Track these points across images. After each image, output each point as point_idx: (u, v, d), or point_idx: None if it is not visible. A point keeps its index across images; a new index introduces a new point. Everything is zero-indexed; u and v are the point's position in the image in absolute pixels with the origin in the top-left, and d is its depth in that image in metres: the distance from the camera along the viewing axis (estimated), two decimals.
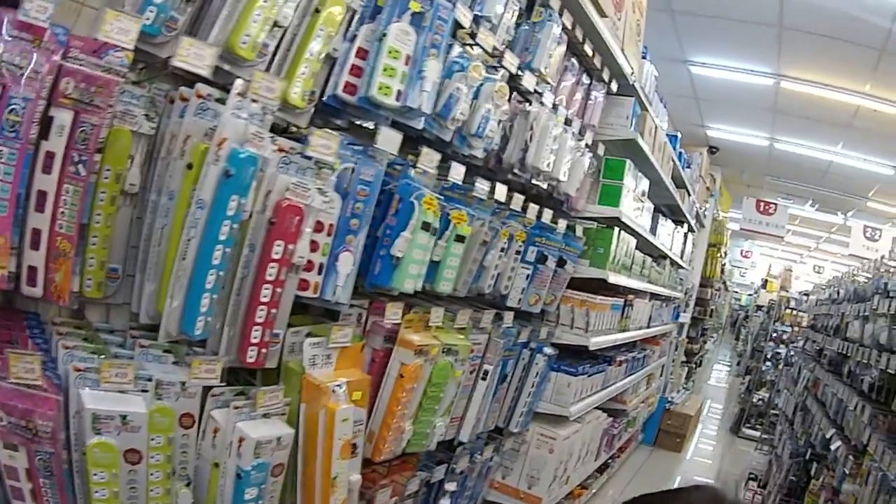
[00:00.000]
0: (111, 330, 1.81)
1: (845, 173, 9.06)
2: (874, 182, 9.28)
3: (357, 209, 2.15)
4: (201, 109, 1.66)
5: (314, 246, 1.99)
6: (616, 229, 3.97)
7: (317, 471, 2.16)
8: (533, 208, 3.28)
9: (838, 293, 5.97)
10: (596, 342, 3.95)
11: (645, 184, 4.52)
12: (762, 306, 15.08)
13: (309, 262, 1.96)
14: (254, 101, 1.70)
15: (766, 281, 17.77)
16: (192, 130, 1.65)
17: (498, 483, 3.95)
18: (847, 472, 3.74)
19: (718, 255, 10.67)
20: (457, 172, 2.63)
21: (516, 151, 3.12)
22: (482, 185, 2.79)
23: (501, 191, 2.93)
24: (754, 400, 10.04)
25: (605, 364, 4.60)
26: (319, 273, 2.06)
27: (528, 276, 3.48)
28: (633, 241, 4.45)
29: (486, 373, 3.16)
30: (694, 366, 10.70)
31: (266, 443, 1.78)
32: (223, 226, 1.61)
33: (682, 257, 7.01)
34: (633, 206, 4.28)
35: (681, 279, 7.56)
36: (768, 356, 11.03)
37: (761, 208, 10.80)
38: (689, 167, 6.67)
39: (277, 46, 1.86)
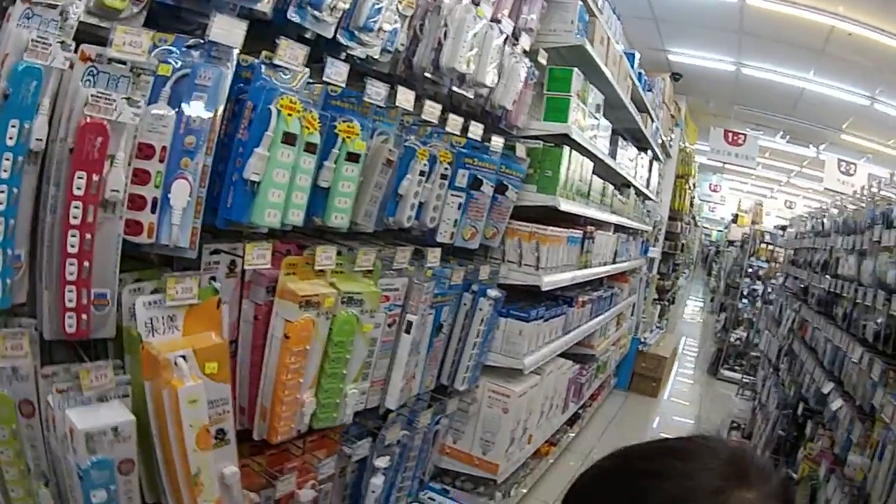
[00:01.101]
0: None
1: (818, 102, 8.34)
2: (848, 113, 8.59)
3: (193, 122, 1.57)
4: (26, 17, 1.31)
5: (143, 177, 1.51)
6: (566, 149, 3.29)
7: (176, 466, 1.62)
8: (456, 121, 2.60)
9: (822, 225, 5.25)
10: (550, 281, 3.31)
11: (598, 98, 3.82)
12: (734, 241, 14.64)
13: (138, 197, 1.50)
14: (50, 5, 1.33)
15: (737, 216, 17.31)
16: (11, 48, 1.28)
17: (450, 448, 3.35)
18: (854, 440, 3.08)
19: (687, 187, 10.06)
20: (336, 72, 1.94)
21: (428, 52, 2.43)
22: (376, 89, 2.10)
23: (406, 97, 2.23)
24: (732, 339, 9.52)
25: (564, 306, 3.98)
26: (154, 211, 1.55)
27: (459, 204, 2.83)
28: (588, 165, 3.79)
29: (409, 325, 2.52)
30: (667, 303, 10.19)
31: (99, 434, 1.42)
32: (3, 160, 1.28)
33: (647, 187, 6.37)
34: (586, 124, 3.60)
35: (648, 211, 6.94)
36: (744, 293, 10.52)
37: (730, 139, 10.16)
38: (650, 91, 6.00)
39: None
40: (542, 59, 3.19)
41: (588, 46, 3.33)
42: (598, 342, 5.27)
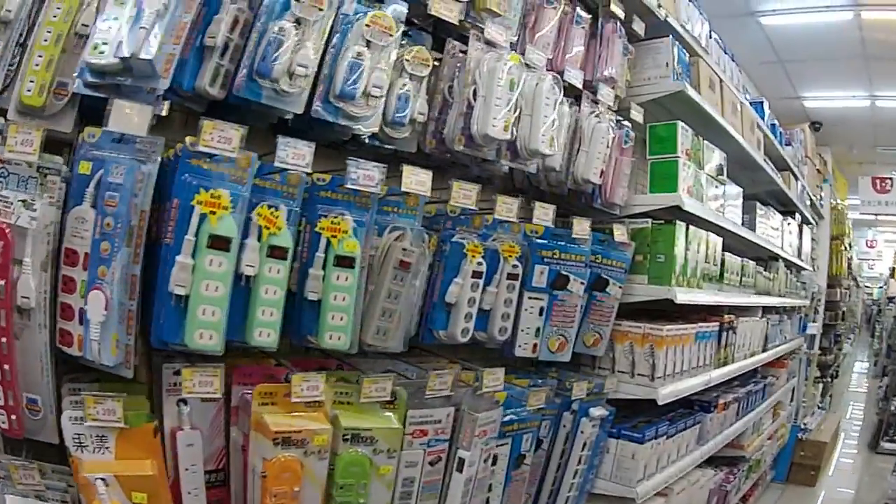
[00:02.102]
0: None
1: None
2: None
3: (107, 227, 1.25)
4: None
5: (70, 285, 1.29)
6: (680, 225, 2.44)
7: None
8: (509, 204, 1.89)
9: None
10: (672, 392, 2.40)
11: (718, 157, 2.91)
12: (893, 298, 12.18)
13: (67, 306, 1.29)
14: None
15: (894, 269, 14.57)
16: None
17: None
18: None
19: (843, 248, 8.37)
20: (293, 154, 1.37)
21: (457, 119, 1.79)
22: (364, 171, 1.48)
23: (418, 179, 1.60)
24: (892, 408, 7.52)
25: (700, 413, 2.99)
26: (81, 322, 1.28)
27: (541, 309, 2.08)
28: (716, 241, 2.87)
29: (461, 462, 1.79)
30: (829, 379, 8.35)
31: None
32: None
33: (799, 256, 5.14)
34: (706, 191, 2.72)
35: (803, 283, 5.61)
36: None
37: (878, 186, 8.43)
38: (789, 145, 4.90)
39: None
40: (637, 115, 2.41)
41: (691, 92, 2.50)
42: (749, 441, 4.08)
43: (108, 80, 1.26)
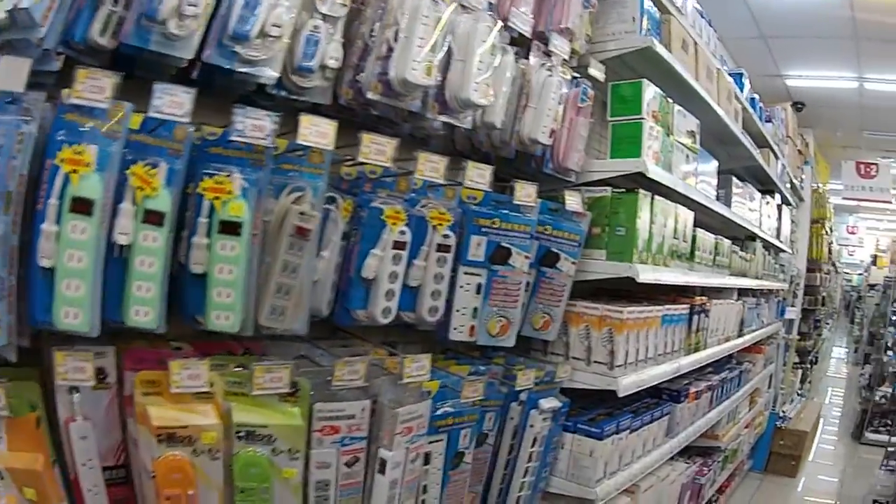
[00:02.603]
0: None
1: None
2: None
3: None
4: None
5: None
6: (644, 195, 2.10)
7: None
8: (435, 163, 1.55)
9: None
10: (633, 382, 2.07)
11: (690, 123, 2.56)
12: (874, 285, 11.96)
13: None
14: None
15: (876, 257, 14.31)
16: None
17: None
18: None
19: (823, 232, 8.06)
20: (170, 102, 1.13)
21: (375, 66, 1.46)
22: (253, 120, 1.20)
23: (321, 131, 1.28)
24: (877, 398, 7.26)
25: (669, 404, 2.67)
26: None
27: (479, 286, 1.76)
28: (686, 215, 2.54)
29: (382, 463, 1.46)
30: (808, 365, 8.07)
31: None
32: None
33: (778, 237, 4.83)
34: (675, 159, 2.39)
35: (782, 265, 5.30)
36: (889, 344, 8.14)
37: (862, 171, 8.01)
38: (769, 122, 4.56)
39: None
40: (597, 73, 2.06)
41: (660, 48, 2.14)
42: (724, 430, 3.77)
43: (3, 37, 1.09)
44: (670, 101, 2.30)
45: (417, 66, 1.46)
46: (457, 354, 2.01)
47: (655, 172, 2.07)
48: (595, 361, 2.04)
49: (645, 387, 2.17)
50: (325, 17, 1.37)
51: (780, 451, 5.57)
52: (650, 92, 2.14)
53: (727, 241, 3.26)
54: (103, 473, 1.22)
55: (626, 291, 2.53)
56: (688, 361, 2.59)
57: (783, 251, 5.23)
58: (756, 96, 4.09)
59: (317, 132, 1.32)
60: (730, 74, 3.48)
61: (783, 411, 5.92)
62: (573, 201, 1.93)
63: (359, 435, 1.48)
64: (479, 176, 1.68)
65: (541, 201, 1.98)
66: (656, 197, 2.16)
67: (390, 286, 1.56)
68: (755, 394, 4.70)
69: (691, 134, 2.51)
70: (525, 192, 1.76)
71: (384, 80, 1.49)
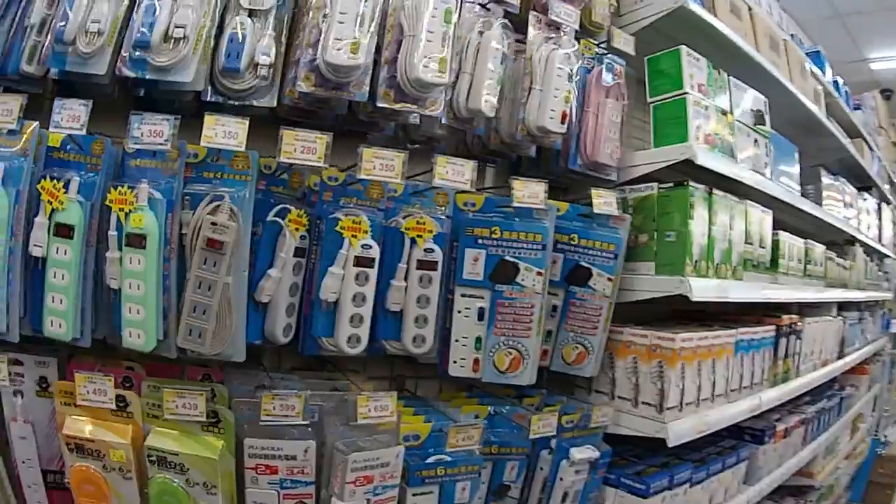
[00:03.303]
0: None
1: None
2: None
3: None
4: None
5: None
6: (696, 188, 1.59)
7: None
8: (380, 156, 1.18)
9: None
10: (688, 428, 1.54)
11: (752, 99, 1.98)
12: None
13: None
14: None
15: None
16: None
17: None
18: None
19: None
20: (69, 114, 1.11)
21: (305, 53, 1.20)
22: (151, 126, 1.09)
23: (232, 130, 1.10)
24: None
25: (750, 446, 2.09)
26: None
27: (480, 311, 1.34)
28: (760, 215, 1.99)
29: None
30: None
31: None
32: None
33: (880, 240, 4.02)
34: (735, 142, 1.86)
35: (886, 272, 4.43)
36: None
37: None
38: (858, 108, 3.82)
39: None
40: (625, 45, 1.60)
41: (695, 7, 1.64)
42: (820, 467, 3.04)
43: None
44: (723, 73, 1.78)
45: (342, 44, 1.14)
46: (484, 393, 1.59)
47: (708, 159, 1.55)
48: (643, 402, 1.54)
49: (708, 432, 1.63)
50: (251, 13, 1.19)
51: (878, 481, 4.61)
52: (692, 60, 1.64)
53: (820, 247, 2.63)
54: (46, 476, 1.21)
55: (710, 314, 2.02)
56: (772, 396, 2.00)
57: (887, 256, 4.37)
58: (839, 79, 3.39)
59: (223, 132, 1.11)
60: (807, 54, 2.87)
61: (885, 436, 4.93)
62: (603, 201, 1.46)
63: (303, 479, 1.19)
64: (455, 173, 1.27)
65: (569, 205, 1.55)
66: (716, 192, 1.64)
67: (356, 310, 1.25)
68: (858, 419, 3.86)
69: (758, 114, 1.96)
70: (527, 191, 1.32)
71: (317, 70, 1.18)
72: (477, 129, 1.47)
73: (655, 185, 1.60)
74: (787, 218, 2.39)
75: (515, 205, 1.35)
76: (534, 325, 1.39)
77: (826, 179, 2.76)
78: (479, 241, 1.37)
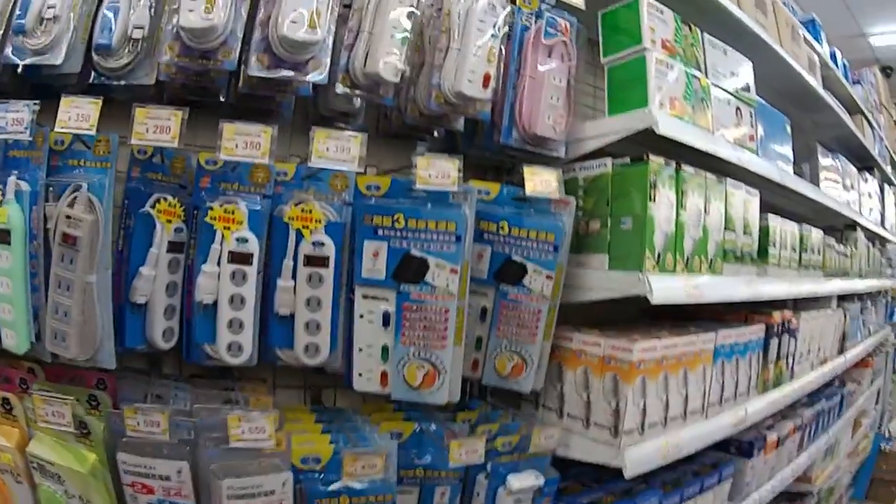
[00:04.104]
0: None
1: None
2: None
3: None
4: None
5: None
6: (659, 164, 1.24)
7: None
8: (243, 131, 0.93)
9: None
10: (650, 453, 1.19)
11: (736, 62, 1.61)
12: None
13: None
14: None
15: None
16: None
17: None
18: None
19: None
20: None
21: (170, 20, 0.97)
22: (13, 114, 0.94)
23: (85, 112, 0.94)
24: None
25: (732, 463, 1.75)
26: None
27: (385, 315, 1.03)
28: (744, 196, 1.64)
29: None
30: None
31: None
32: None
33: (883, 224, 3.62)
34: (711, 110, 1.51)
35: (889, 259, 4.03)
36: None
37: None
38: (858, 83, 3.42)
39: None
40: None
41: None
42: (818, 472, 2.69)
43: None
44: (697, 29, 1.42)
45: (195, 6, 0.92)
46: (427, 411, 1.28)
47: (674, 128, 1.20)
48: (595, 423, 1.21)
49: (676, 459, 1.30)
50: None
51: (882, 477, 4.24)
52: (654, 12, 1.29)
53: (818, 232, 2.27)
54: None
55: (689, 311, 1.69)
56: (761, 406, 1.66)
57: (889, 241, 3.97)
58: (837, 51, 3.00)
59: (78, 115, 0.97)
60: (801, 23, 2.50)
61: (889, 431, 4.53)
62: (540, 181, 1.13)
63: (181, 502, 1.00)
64: (341, 150, 0.97)
65: (501, 187, 1.22)
66: (685, 168, 1.30)
67: (234, 314, 1.04)
68: (861, 415, 3.50)
69: (743, 84, 1.60)
70: (435, 171, 1.00)
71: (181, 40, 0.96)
72: (385, 98, 1.15)
73: (610, 160, 1.26)
74: (778, 200, 2.04)
75: (419, 186, 1.03)
76: (450, 334, 1.07)
77: (823, 158, 2.39)
78: (380, 231, 1.06)
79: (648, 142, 1.26)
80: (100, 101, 0.97)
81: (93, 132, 0.97)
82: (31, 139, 0.97)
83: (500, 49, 1.13)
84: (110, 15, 1.00)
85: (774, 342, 1.83)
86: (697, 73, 1.39)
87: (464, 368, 1.25)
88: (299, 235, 1.03)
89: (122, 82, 1.04)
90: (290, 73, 1.03)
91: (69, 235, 0.95)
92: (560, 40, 1.25)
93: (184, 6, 0.93)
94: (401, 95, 1.21)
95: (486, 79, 1.10)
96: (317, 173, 1.08)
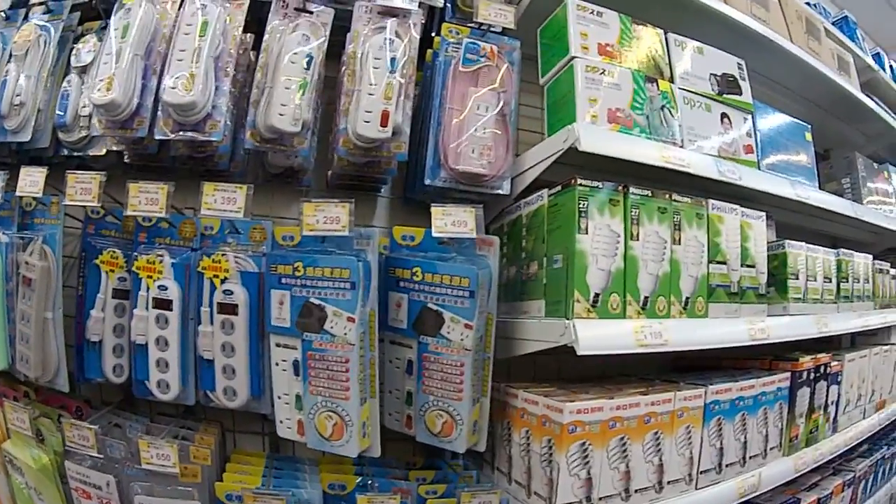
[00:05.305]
0: None
1: None
2: None
3: None
4: None
5: None
6: (592, 189, 0.99)
7: None
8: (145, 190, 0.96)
9: None
10: None
11: (715, 61, 1.31)
12: None
13: None
14: None
15: None
16: None
17: None
18: None
19: None
20: None
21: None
22: None
23: (34, 179, 1.07)
24: None
25: None
26: None
27: (294, 363, 0.90)
28: (735, 222, 1.35)
29: None
30: None
31: None
32: None
33: None
34: (686, 118, 1.23)
35: None
36: None
37: None
38: None
39: None
40: (495, 17, 1.09)
41: None
42: None
43: None
44: (650, 27, 1.20)
45: (100, 84, 0.99)
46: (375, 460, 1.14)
47: (605, 141, 0.98)
48: (535, 493, 1.00)
49: None
50: (80, 71, 1.17)
51: None
52: (584, 14, 1.09)
53: (863, 258, 1.87)
54: None
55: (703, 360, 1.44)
56: (782, 468, 1.32)
57: None
58: (881, 52, 2.56)
59: (30, 182, 1.07)
60: (833, 22, 2.15)
61: None
62: (451, 222, 0.96)
63: None
64: (226, 201, 0.88)
65: (426, 231, 1.07)
66: (635, 191, 1.07)
67: (160, 354, 1.05)
68: None
69: (727, 80, 1.32)
70: (323, 216, 0.88)
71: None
72: (300, 150, 1.05)
73: (546, 192, 1.07)
74: (806, 222, 1.71)
75: (305, 233, 0.91)
76: (353, 385, 0.92)
77: (863, 169, 2.00)
78: (283, 280, 0.96)
79: (613, 167, 1.05)
80: (45, 171, 1.07)
81: (39, 194, 1.06)
82: (6, 201, 1.11)
83: (400, 83, 0.99)
84: (65, 97, 1.14)
85: (804, 392, 1.48)
86: (656, 78, 1.17)
87: (398, 424, 1.10)
88: (212, 285, 0.99)
89: (80, 153, 1.15)
90: (192, 134, 1.00)
91: (27, 278, 1.07)
92: (484, 66, 1.09)
93: (93, 85, 0.99)
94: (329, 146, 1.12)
95: (384, 116, 0.97)
96: (239, 227, 1.02)
